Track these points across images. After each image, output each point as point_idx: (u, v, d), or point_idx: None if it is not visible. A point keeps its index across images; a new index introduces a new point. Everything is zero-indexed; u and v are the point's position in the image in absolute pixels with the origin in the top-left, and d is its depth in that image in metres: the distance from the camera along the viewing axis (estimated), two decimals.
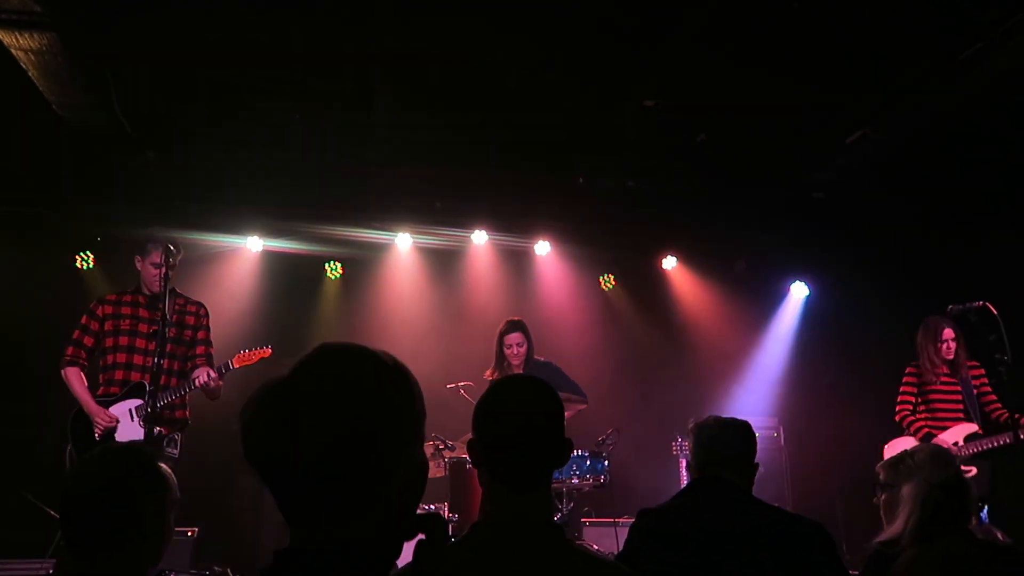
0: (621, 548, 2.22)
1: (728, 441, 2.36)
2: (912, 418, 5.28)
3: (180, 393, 4.51)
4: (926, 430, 5.14)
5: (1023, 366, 4.14)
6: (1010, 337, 4.04)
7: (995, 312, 4.18)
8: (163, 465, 1.79)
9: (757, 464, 2.40)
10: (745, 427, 2.41)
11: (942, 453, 2.37)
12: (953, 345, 5.17)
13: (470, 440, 1.67)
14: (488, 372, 5.32)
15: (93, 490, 1.70)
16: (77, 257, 6.36)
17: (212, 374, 4.48)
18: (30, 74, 4.77)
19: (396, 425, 1.05)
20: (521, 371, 5.16)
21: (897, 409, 5.36)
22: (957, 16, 4.44)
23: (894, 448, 5.07)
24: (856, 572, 2.49)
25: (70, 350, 4.60)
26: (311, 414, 1.00)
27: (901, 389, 5.37)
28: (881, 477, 2.35)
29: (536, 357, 5.30)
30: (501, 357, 5.27)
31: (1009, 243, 5.53)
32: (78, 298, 5.88)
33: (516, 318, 5.37)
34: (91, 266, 6.37)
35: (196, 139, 5.87)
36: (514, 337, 5.23)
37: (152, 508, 1.73)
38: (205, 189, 6.13)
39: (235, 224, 6.54)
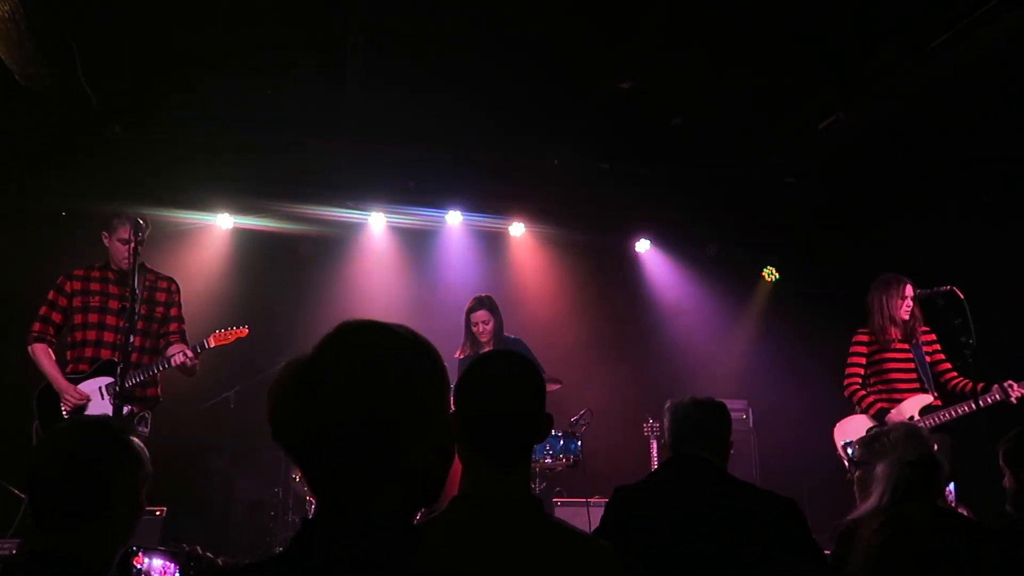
0: (596, 526, 2.24)
1: (703, 420, 2.39)
2: (863, 392, 4.90)
3: (153, 371, 4.45)
4: (879, 405, 4.78)
5: (989, 350, 4.21)
6: (975, 321, 4.11)
7: (962, 296, 4.24)
8: (135, 440, 1.75)
9: (731, 443, 2.43)
10: (720, 407, 2.44)
11: (916, 432, 2.42)
12: (912, 304, 4.81)
13: (451, 414, 1.66)
14: (458, 352, 5.32)
15: (61, 464, 1.65)
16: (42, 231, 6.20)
17: (189, 353, 4.41)
18: None
19: (420, 396, 1.08)
20: (491, 348, 5.16)
21: (845, 383, 4.96)
22: (929, 3, 4.49)
23: (844, 428, 4.89)
24: (827, 551, 2.54)
25: (37, 326, 4.50)
26: (338, 392, 1.03)
27: (849, 360, 4.97)
28: (856, 455, 2.40)
29: (506, 335, 5.30)
30: (470, 334, 5.28)
31: (978, 228, 5.62)
32: (42, 273, 5.76)
33: (483, 295, 5.37)
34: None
35: (164, 113, 5.73)
36: (480, 315, 5.24)
37: (122, 484, 1.68)
38: (174, 164, 6.00)
39: (205, 201, 6.43)
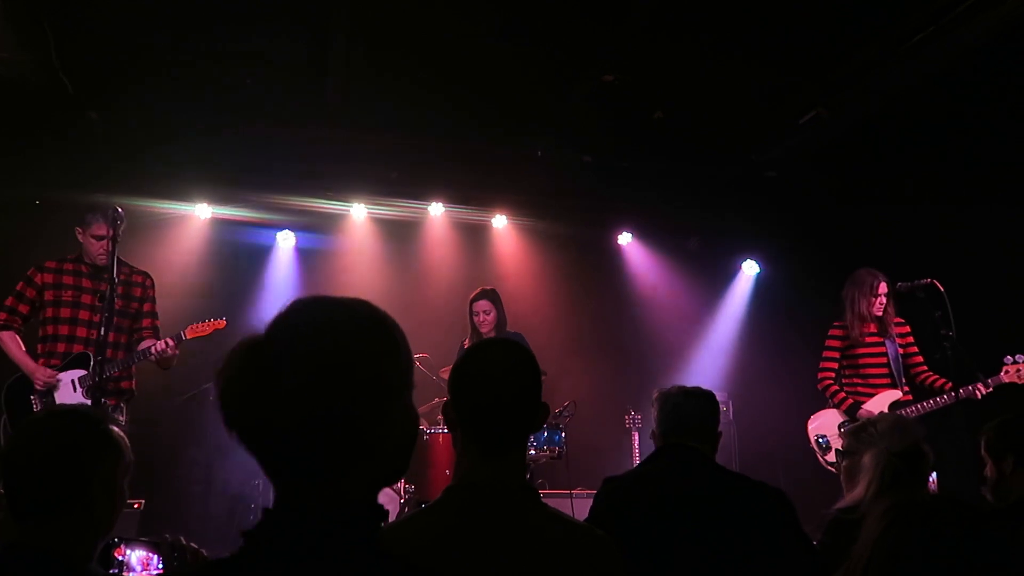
0: (585, 517, 2.23)
1: (692, 410, 2.38)
2: (835, 387, 4.98)
3: (127, 365, 4.37)
4: (850, 401, 4.88)
5: (968, 343, 4.26)
6: (955, 314, 4.15)
7: (942, 289, 4.28)
8: (115, 428, 1.70)
9: (720, 433, 2.43)
10: (709, 396, 2.44)
11: (904, 422, 2.43)
12: (886, 301, 4.85)
13: (446, 403, 1.64)
14: (466, 341, 5.33)
15: (38, 452, 1.59)
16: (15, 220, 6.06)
17: (170, 342, 4.33)
18: None
19: (378, 375, 1.02)
20: None
21: (819, 376, 5.02)
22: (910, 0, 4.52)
23: (817, 422, 4.96)
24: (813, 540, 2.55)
25: (3, 316, 4.40)
26: (289, 371, 0.96)
27: (824, 354, 5.04)
28: (843, 445, 2.40)
29: (508, 330, 5.30)
30: (472, 325, 5.29)
31: (959, 221, 5.67)
32: (14, 263, 5.64)
33: (488, 287, 5.39)
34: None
35: (141, 100, 5.62)
36: (481, 304, 5.25)
37: (102, 473, 1.63)
38: (151, 153, 5.89)
39: (183, 190, 6.33)
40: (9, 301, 4.44)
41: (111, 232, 4.19)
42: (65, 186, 5.70)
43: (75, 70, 5.15)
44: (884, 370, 4.89)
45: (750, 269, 7.68)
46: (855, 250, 6.49)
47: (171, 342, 4.35)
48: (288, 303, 1.05)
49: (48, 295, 4.41)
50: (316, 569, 0.94)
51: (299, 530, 0.96)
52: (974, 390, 4.43)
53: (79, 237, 4.46)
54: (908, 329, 4.95)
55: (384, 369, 1.03)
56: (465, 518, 1.47)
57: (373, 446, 1.01)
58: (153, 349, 4.33)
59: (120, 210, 4.21)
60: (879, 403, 4.80)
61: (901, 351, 4.91)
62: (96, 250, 4.36)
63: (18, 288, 4.45)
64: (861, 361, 4.95)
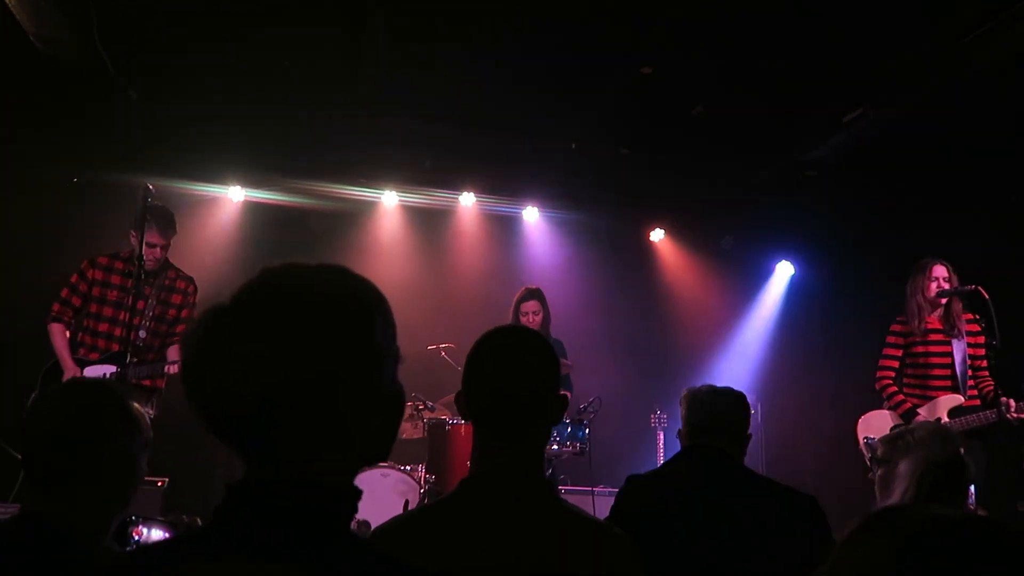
0: (607, 514, 2.17)
1: (721, 410, 2.31)
2: (894, 388, 4.63)
3: (155, 373, 4.48)
4: (908, 405, 4.51)
5: (1014, 351, 4.09)
6: (1001, 322, 3.99)
7: (986, 296, 4.12)
8: (134, 404, 1.68)
9: (750, 435, 2.36)
10: (739, 396, 2.36)
11: (944, 431, 2.33)
12: (946, 286, 4.48)
13: (458, 392, 1.58)
14: None
15: (53, 421, 1.58)
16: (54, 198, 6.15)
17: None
18: (8, 3, 4.55)
19: (353, 348, 0.93)
20: None
21: (878, 375, 4.69)
22: None
23: (868, 422, 4.68)
24: None
25: (56, 307, 4.55)
26: (249, 342, 0.88)
27: (884, 351, 4.70)
28: (879, 452, 2.31)
29: (552, 336, 5.24)
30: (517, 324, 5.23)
31: (1005, 226, 5.48)
32: (52, 241, 5.72)
33: (534, 286, 5.36)
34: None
35: (180, 83, 5.66)
36: (530, 304, 5.23)
37: (117, 446, 1.61)
38: (187, 134, 5.92)
39: (217, 172, 6.37)
40: (64, 293, 4.58)
41: (164, 241, 4.40)
42: (102, 165, 5.77)
43: (116, 49, 5.18)
44: (946, 371, 4.50)
45: (785, 270, 7.53)
46: (896, 255, 6.33)
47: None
48: (260, 269, 0.97)
49: (95, 291, 4.56)
50: (273, 556, 0.86)
51: (261, 510, 0.89)
52: (1007, 412, 4.05)
53: (132, 240, 4.54)
54: (980, 329, 4.46)
55: (357, 342, 0.94)
56: (473, 509, 1.42)
57: (348, 425, 0.93)
58: (170, 369, 4.44)
59: (151, 187, 4.24)
60: (939, 409, 4.44)
61: (970, 352, 4.50)
62: (146, 255, 4.38)
63: (72, 281, 4.59)
64: (922, 361, 4.58)
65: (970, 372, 4.51)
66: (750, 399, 7.10)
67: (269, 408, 0.89)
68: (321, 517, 0.90)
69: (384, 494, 4.64)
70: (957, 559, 0.71)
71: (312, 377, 0.90)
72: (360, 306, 0.96)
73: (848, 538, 0.77)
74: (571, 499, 1.48)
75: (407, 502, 4.52)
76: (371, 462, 1.00)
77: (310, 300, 0.93)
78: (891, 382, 4.68)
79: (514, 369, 1.52)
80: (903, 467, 2.17)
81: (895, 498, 2.14)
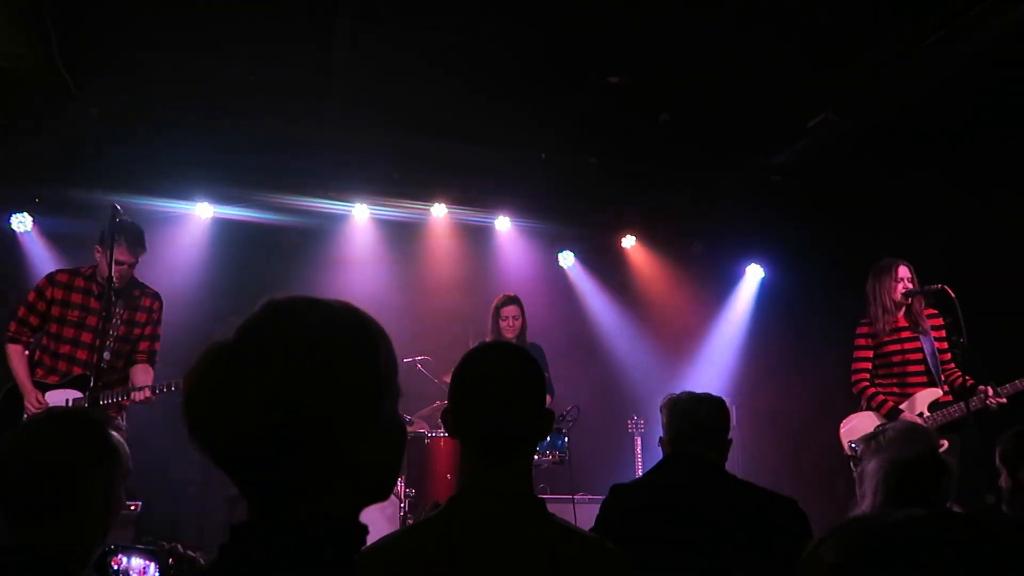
0: (593, 524, 2.17)
1: (703, 417, 2.32)
2: (872, 389, 4.64)
3: (118, 399, 4.27)
4: (891, 403, 4.52)
5: (977, 345, 4.17)
6: (970, 322, 4.06)
7: (952, 295, 4.19)
8: (113, 433, 1.65)
9: (730, 440, 2.37)
10: (719, 403, 2.38)
11: (915, 430, 2.35)
12: (911, 286, 4.55)
13: (445, 409, 1.58)
14: None
15: (33, 453, 1.54)
16: (13, 218, 6.03)
17: (148, 395, 4.24)
18: None
19: (355, 383, 0.93)
20: None
21: (853, 379, 4.70)
22: (923, 2, 4.47)
23: (850, 426, 4.70)
24: None
25: (13, 326, 4.35)
26: (257, 379, 0.88)
27: (855, 354, 4.72)
28: (859, 451, 2.33)
29: (529, 341, 5.26)
30: (496, 330, 5.24)
31: (970, 226, 5.60)
32: (15, 261, 5.60)
33: (511, 293, 5.38)
34: (29, 228, 6.05)
35: (142, 97, 5.57)
36: (510, 309, 5.25)
37: (98, 478, 1.58)
38: (152, 150, 5.84)
39: (184, 189, 6.28)
40: (21, 312, 4.37)
41: (133, 259, 4.18)
42: (64, 182, 5.66)
43: (76, 65, 5.09)
44: (920, 367, 4.56)
45: (755, 274, 7.63)
46: (863, 256, 6.45)
47: (148, 394, 4.26)
48: (261, 304, 0.96)
49: (55, 311, 4.33)
50: None
51: (267, 551, 0.88)
52: (983, 394, 4.23)
53: (96, 255, 4.36)
54: (942, 321, 4.57)
55: (363, 376, 0.94)
56: (463, 529, 1.41)
57: (353, 461, 0.93)
58: (134, 397, 4.25)
59: (119, 207, 4.14)
60: (920, 403, 4.49)
61: (936, 345, 4.57)
62: (116, 273, 4.15)
63: (29, 299, 4.38)
64: (895, 359, 4.62)
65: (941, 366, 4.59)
66: (725, 402, 7.14)
67: (278, 445, 0.88)
68: (329, 557, 0.90)
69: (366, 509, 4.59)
70: (898, 564, 0.74)
71: (321, 413, 0.90)
72: (366, 341, 0.96)
73: (811, 550, 0.79)
74: (552, 508, 1.48)
75: (367, 531, 4.46)
76: (376, 499, 0.99)
77: (318, 335, 0.93)
78: (868, 383, 4.71)
79: (503, 388, 1.51)
80: (870, 467, 2.16)
81: (867, 497, 2.15)
